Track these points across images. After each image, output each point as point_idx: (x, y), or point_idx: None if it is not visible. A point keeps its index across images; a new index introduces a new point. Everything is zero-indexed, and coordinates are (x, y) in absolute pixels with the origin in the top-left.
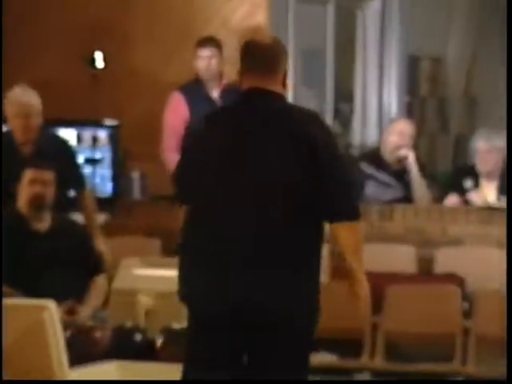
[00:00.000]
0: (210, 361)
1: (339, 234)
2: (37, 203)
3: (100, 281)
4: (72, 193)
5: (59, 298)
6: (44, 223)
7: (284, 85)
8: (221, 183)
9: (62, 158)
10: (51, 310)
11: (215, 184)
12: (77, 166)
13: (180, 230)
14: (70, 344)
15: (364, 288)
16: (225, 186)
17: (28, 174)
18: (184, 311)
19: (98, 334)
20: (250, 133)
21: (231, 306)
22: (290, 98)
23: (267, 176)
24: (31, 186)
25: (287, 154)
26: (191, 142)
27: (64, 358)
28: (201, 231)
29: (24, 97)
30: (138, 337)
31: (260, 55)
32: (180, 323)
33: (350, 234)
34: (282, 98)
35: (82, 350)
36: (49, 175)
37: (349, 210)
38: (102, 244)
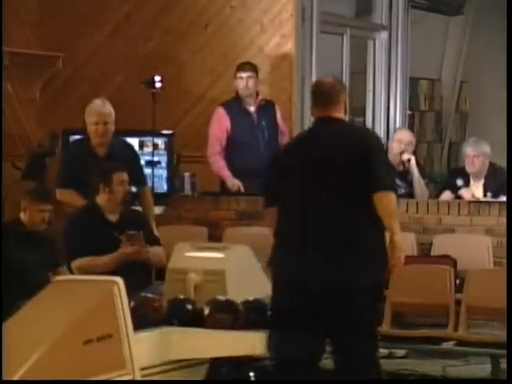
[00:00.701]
0: (290, 320)
1: (381, 202)
2: (125, 199)
3: (159, 249)
4: (134, 189)
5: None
6: (116, 214)
7: (345, 111)
8: (301, 186)
9: (129, 160)
10: (119, 285)
11: (297, 187)
12: (140, 167)
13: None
14: (134, 312)
15: (400, 241)
16: (303, 188)
17: (120, 176)
18: (226, 286)
19: (156, 304)
20: (320, 150)
21: (306, 279)
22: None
23: (334, 180)
24: (122, 185)
25: (348, 161)
26: (277, 156)
27: (129, 324)
28: (287, 223)
29: (104, 107)
30: (189, 307)
31: (325, 91)
32: (223, 296)
33: (389, 201)
34: (342, 121)
35: (143, 317)
36: (126, 175)
37: (388, 184)
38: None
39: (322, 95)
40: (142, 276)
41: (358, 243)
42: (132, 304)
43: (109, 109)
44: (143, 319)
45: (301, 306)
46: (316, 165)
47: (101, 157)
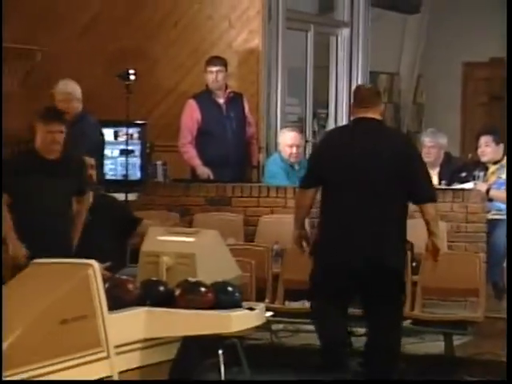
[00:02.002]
0: (332, 295)
1: (426, 210)
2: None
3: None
4: None
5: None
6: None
7: (381, 114)
8: (344, 173)
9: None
10: (95, 267)
11: (341, 174)
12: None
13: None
14: (109, 293)
15: (440, 243)
16: (346, 174)
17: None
18: (196, 269)
19: (130, 286)
20: (360, 142)
21: (351, 254)
22: (279, 106)
23: (372, 168)
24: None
25: (385, 154)
26: (320, 148)
27: (104, 304)
28: (332, 205)
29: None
30: (161, 288)
31: (367, 96)
32: (193, 278)
33: (432, 210)
34: (379, 121)
35: (118, 298)
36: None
37: (433, 196)
38: None
39: (364, 99)
40: (116, 259)
41: (392, 231)
42: (107, 285)
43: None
44: (118, 300)
45: (347, 281)
46: (362, 159)
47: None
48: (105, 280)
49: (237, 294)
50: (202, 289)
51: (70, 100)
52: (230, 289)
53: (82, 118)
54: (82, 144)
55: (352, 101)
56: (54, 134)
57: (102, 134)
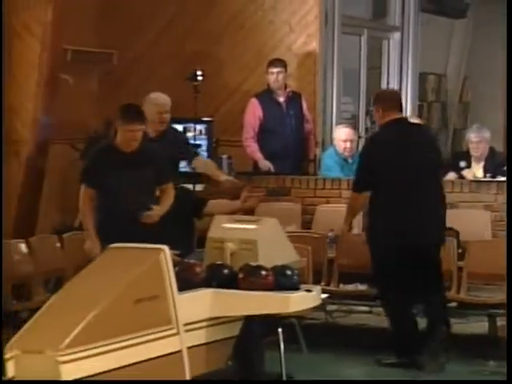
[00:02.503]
0: (395, 273)
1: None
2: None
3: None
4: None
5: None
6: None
7: None
8: (398, 168)
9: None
10: (166, 252)
11: (396, 170)
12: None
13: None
14: (179, 276)
15: None
16: (400, 169)
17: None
18: (257, 254)
19: (197, 269)
20: (406, 139)
21: (408, 233)
22: (334, 104)
23: (418, 161)
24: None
25: (425, 148)
26: (370, 148)
27: (174, 286)
28: (387, 196)
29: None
30: (225, 271)
31: (398, 100)
32: (255, 262)
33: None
34: (408, 120)
35: (186, 280)
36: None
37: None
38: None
39: (399, 102)
40: (185, 245)
41: (438, 213)
42: (177, 269)
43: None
44: (186, 282)
45: (411, 259)
46: (411, 154)
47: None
48: (174, 264)
49: (295, 277)
50: (263, 272)
51: (165, 112)
52: (288, 272)
53: (171, 126)
54: (181, 149)
55: (380, 104)
56: (135, 133)
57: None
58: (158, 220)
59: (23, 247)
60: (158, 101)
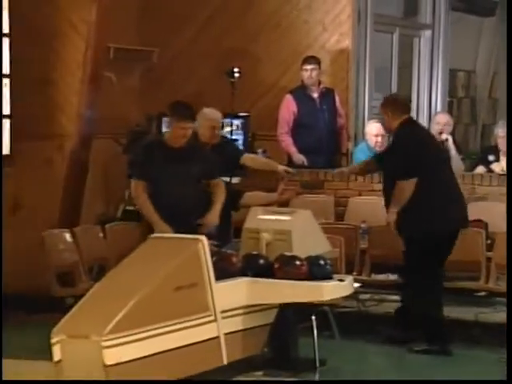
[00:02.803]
0: (434, 259)
1: None
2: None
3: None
4: None
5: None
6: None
7: None
8: (435, 157)
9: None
10: (204, 242)
11: (434, 158)
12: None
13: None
14: (216, 265)
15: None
16: (436, 158)
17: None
18: (292, 244)
19: (234, 259)
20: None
21: (451, 218)
22: (366, 99)
23: (442, 153)
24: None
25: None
26: (413, 138)
27: (212, 274)
28: (428, 185)
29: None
30: (261, 261)
31: (403, 101)
32: (290, 252)
33: None
34: None
35: (223, 269)
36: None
37: None
38: None
39: (407, 105)
40: (223, 235)
41: (464, 200)
42: (214, 258)
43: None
44: (223, 271)
45: (447, 245)
46: (438, 146)
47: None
48: (212, 254)
49: (328, 267)
50: (298, 262)
51: (217, 127)
52: (321, 262)
53: (223, 140)
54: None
55: (392, 107)
56: (186, 131)
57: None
58: (217, 222)
59: (68, 237)
60: (211, 116)
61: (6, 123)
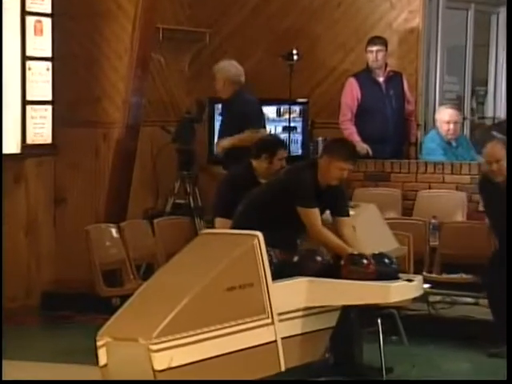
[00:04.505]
0: None
1: None
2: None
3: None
4: None
5: None
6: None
7: None
8: None
9: None
10: (259, 238)
11: None
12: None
13: None
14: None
15: None
16: None
17: (282, 153)
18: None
19: (291, 257)
20: None
21: None
22: (437, 83)
23: None
24: (281, 161)
25: None
26: None
27: (268, 273)
28: None
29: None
30: (319, 258)
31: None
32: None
33: None
34: None
35: (281, 268)
36: (286, 153)
37: None
38: None
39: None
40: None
41: None
42: (269, 256)
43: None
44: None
45: None
46: None
47: None
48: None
49: (394, 266)
50: (365, 260)
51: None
52: (386, 260)
53: (237, 96)
54: (241, 122)
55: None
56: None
57: (260, 110)
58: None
59: (114, 232)
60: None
61: (49, 110)
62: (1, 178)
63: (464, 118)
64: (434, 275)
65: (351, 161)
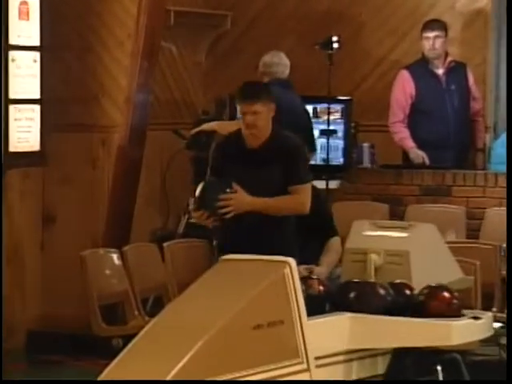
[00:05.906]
0: None
1: None
2: None
3: (335, 243)
4: None
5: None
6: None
7: None
8: None
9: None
10: (291, 265)
11: None
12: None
13: None
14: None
15: None
16: None
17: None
18: (410, 269)
19: (331, 287)
20: None
21: None
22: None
23: None
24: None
25: None
26: None
27: (302, 308)
28: None
29: None
30: (382, 291)
31: None
32: (407, 279)
33: None
34: None
35: (319, 300)
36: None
37: None
38: None
39: None
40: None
41: None
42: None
43: None
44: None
45: None
46: None
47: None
48: (304, 281)
49: (455, 301)
50: (446, 294)
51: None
52: (446, 294)
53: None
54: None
55: None
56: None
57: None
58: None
59: (115, 258)
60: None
61: (36, 110)
62: (1, 180)
63: None
64: (506, 312)
65: (249, 100)
